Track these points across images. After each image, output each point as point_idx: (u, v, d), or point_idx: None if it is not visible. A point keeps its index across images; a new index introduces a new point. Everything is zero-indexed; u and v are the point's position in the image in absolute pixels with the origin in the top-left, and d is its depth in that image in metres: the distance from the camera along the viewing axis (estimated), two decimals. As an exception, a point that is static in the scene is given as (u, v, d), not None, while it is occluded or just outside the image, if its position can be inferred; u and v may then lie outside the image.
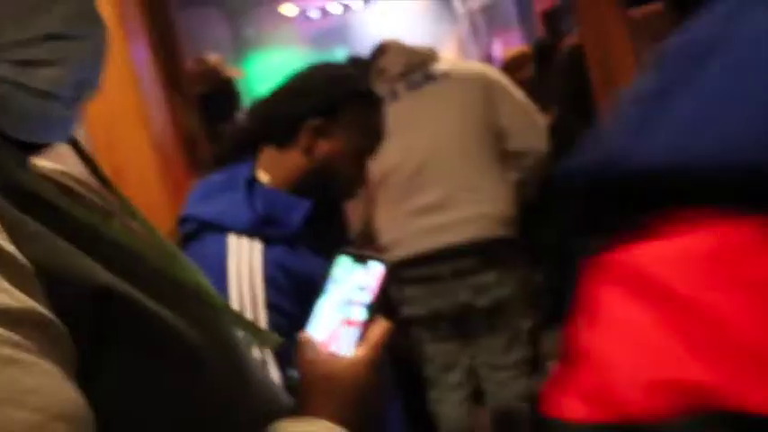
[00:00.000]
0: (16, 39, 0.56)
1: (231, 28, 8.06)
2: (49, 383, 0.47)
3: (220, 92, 2.65)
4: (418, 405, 2.50)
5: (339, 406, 0.75)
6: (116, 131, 1.88)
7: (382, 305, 0.83)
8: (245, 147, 1.39)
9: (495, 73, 2.61)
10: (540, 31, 6.49)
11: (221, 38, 7.66)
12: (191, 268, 0.74)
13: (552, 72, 2.94)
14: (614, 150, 0.60)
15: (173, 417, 0.60)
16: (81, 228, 0.60)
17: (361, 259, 0.86)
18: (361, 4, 8.45)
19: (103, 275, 0.56)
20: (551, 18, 6.21)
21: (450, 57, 2.58)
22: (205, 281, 0.74)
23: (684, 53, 0.59)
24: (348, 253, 0.87)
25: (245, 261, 1.24)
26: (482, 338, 2.46)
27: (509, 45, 7.12)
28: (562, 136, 2.58)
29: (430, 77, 2.44)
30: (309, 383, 0.78)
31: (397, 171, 2.39)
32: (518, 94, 2.51)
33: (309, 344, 0.81)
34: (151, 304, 0.59)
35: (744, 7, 0.56)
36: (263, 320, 1.20)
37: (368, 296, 0.83)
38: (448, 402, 2.53)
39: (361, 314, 0.82)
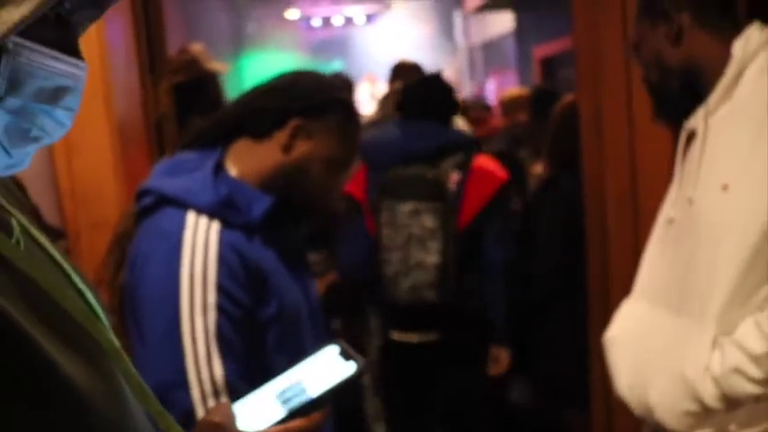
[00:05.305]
0: None
1: (233, 23, 8.01)
2: None
3: (198, 83, 2.55)
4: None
5: None
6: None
7: (329, 400, 0.80)
8: (219, 134, 1.38)
9: None
10: (536, 75, 6.49)
11: (222, 31, 7.61)
12: (104, 323, 0.65)
13: (547, 123, 2.92)
14: None
15: None
16: None
17: (345, 355, 0.84)
18: (364, 19, 8.44)
19: None
20: (550, 66, 6.23)
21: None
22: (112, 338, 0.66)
23: None
24: (338, 344, 0.86)
25: (200, 238, 1.23)
26: None
27: (503, 85, 7.12)
28: (553, 189, 2.63)
29: None
30: None
31: None
32: None
33: (226, 410, 0.76)
34: (39, 338, 0.52)
35: None
36: (211, 301, 1.20)
37: (321, 387, 0.79)
38: None
39: (299, 400, 0.79)
